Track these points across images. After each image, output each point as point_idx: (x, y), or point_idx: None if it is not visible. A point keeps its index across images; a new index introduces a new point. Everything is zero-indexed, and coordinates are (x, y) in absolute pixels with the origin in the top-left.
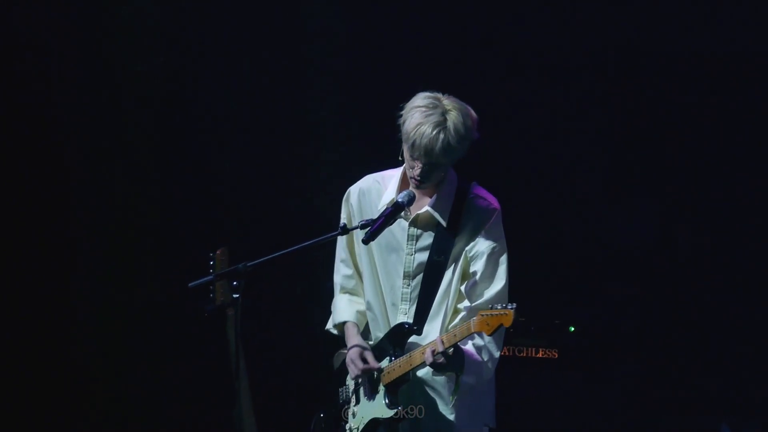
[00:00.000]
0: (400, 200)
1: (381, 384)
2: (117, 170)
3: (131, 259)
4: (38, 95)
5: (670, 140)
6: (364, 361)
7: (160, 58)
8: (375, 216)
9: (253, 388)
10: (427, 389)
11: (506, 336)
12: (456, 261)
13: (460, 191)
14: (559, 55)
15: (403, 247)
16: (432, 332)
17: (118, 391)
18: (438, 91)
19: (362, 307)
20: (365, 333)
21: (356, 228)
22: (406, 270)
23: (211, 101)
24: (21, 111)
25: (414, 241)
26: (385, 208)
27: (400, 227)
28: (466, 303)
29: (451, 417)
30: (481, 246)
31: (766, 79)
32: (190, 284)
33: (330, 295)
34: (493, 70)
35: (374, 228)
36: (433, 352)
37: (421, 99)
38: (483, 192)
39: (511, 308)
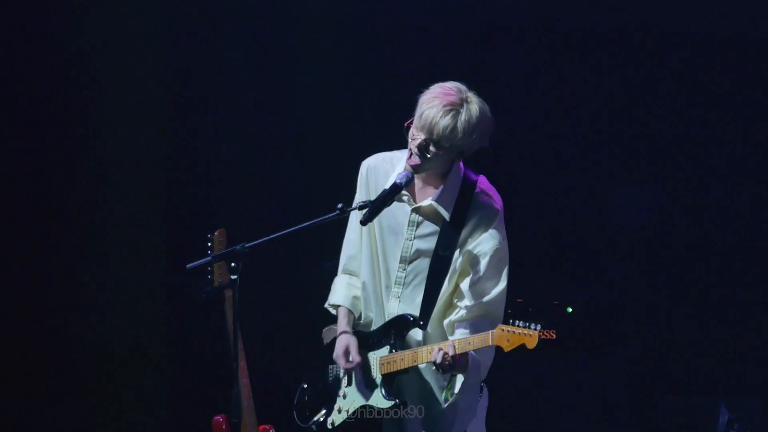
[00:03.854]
0: (398, 182)
1: (379, 373)
2: (115, 153)
3: (129, 240)
4: (35, 86)
5: (669, 122)
6: (347, 357)
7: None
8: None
9: (250, 368)
10: (422, 383)
11: (504, 318)
12: (458, 256)
13: (465, 184)
14: (558, 38)
15: (403, 232)
16: (430, 325)
17: (115, 370)
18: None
19: (359, 292)
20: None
21: (354, 209)
22: (403, 254)
23: (208, 86)
24: (19, 103)
25: (414, 228)
26: (384, 190)
27: (402, 211)
28: (466, 302)
29: (446, 412)
30: (485, 246)
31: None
32: (188, 266)
33: (328, 276)
34: (493, 54)
35: (372, 209)
36: (444, 354)
37: (450, 82)
38: (488, 187)
39: (536, 329)
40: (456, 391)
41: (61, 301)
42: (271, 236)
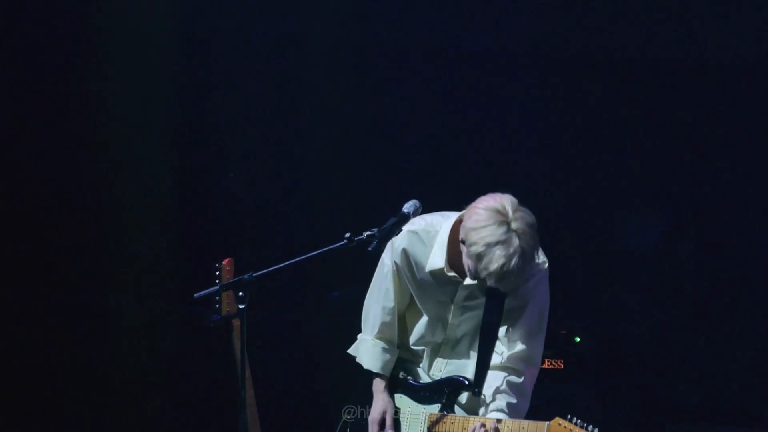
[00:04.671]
0: (405, 211)
1: (425, 428)
2: (124, 181)
3: (138, 268)
4: (48, 110)
5: (676, 149)
6: (382, 425)
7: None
8: (423, 277)
9: (258, 397)
10: None
11: (566, 417)
12: (504, 314)
13: None
14: (570, 59)
15: (449, 302)
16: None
17: (124, 400)
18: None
19: (395, 357)
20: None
21: (362, 238)
22: (451, 322)
23: (218, 113)
24: (27, 124)
25: (461, 300)
26: (392, 219)
27: (449, 285)
28: (504, 348)
29: None
30: (527, 298)
31: None
32: (195, 295)
33: (335, 305)
34: (502, 75)
35: (380, 237)
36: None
37: (486, 209)
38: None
39: None
40: None
41: (68, 328)
42: (279, 265)
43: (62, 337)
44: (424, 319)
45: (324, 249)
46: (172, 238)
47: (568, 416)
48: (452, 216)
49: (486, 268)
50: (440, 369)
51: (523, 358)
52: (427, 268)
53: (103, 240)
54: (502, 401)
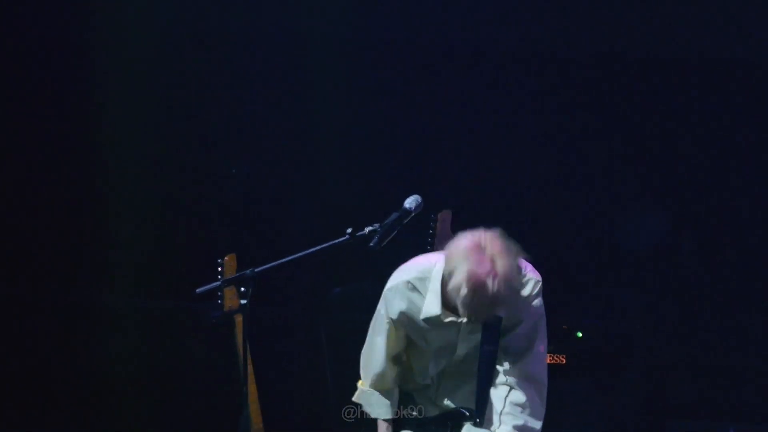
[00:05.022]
0: (407, 206)
1: None
2: (125, 176)
3: (140, 264)
4: (47, 105)
5: (677, 147)
6: None
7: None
8: (425, 325)
9: (260, 393)
10: None
11: None
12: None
13: None
14: (570, 59)
15: (447, 336)
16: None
17: (126, 395)
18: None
19: (395, 397)
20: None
21: (363, 234)
22: (449, 356)
23: (220, 108)
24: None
25: (458, 333)
26: (394, 214)
27: (447, 322)
28: (505, 366)
29: None
30: (520, 316)
31: None
32: (197, 290)
33: (337, 302)
34: (506, 72)
35: (382, 233)
36: None
37: (471, 262)
38: (527, 268)
39: None
40: None
41: (70, 324)
42: (281, 261)
43: (63, 334)
44: (429, 354)
45: (326, 244)
46: (174, 234)
47: None
48: (441, 259)
49: (468, 307)
50: (448, 390)
51: (524, 376)
52: (422, 316)
53: (105, 236)
54: (508, 425)
